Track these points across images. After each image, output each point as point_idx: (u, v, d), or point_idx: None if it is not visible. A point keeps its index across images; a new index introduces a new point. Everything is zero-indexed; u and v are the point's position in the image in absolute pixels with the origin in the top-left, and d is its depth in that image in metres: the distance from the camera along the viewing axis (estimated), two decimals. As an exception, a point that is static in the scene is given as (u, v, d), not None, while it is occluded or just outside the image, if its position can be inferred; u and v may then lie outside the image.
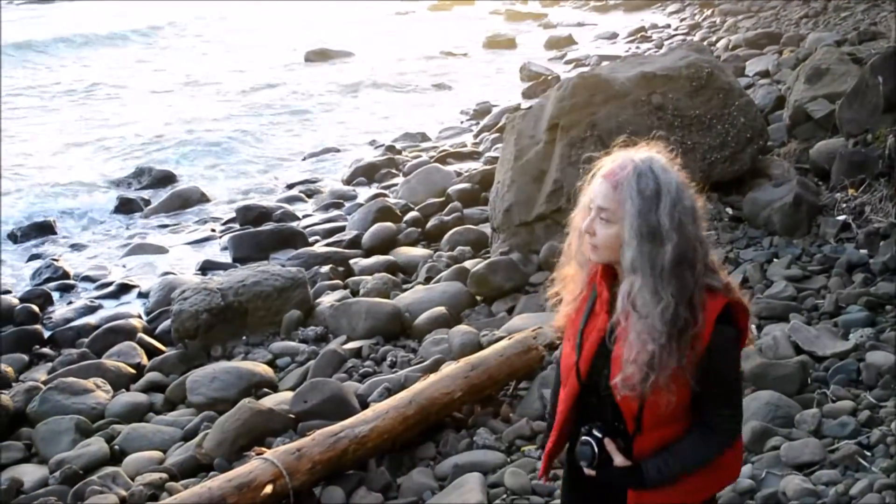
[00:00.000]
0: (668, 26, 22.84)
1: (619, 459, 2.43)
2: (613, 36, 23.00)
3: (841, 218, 7.00)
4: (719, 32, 19.26)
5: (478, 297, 7.33)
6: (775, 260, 6.73)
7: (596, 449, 2.43)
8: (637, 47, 20.13)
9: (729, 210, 7.59)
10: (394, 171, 12.35)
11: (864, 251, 6.51)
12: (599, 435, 2.44)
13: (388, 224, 9.56)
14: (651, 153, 2.41)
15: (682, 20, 23.47)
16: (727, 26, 19.62)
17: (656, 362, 2.29)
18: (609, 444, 2.43)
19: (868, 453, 4.38)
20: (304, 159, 14.21)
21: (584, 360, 2.50)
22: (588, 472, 2.48)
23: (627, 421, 2.42)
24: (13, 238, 11.06)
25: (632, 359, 2.32)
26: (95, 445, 5.76)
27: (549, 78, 16.89)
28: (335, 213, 10.94)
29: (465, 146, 13.27)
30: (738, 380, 2.54)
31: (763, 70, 12.95)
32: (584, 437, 2.46)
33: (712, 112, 7.76)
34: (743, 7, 21.30)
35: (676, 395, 2.35)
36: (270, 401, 5.89)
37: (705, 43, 17.23)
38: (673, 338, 2.30)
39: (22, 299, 8.69)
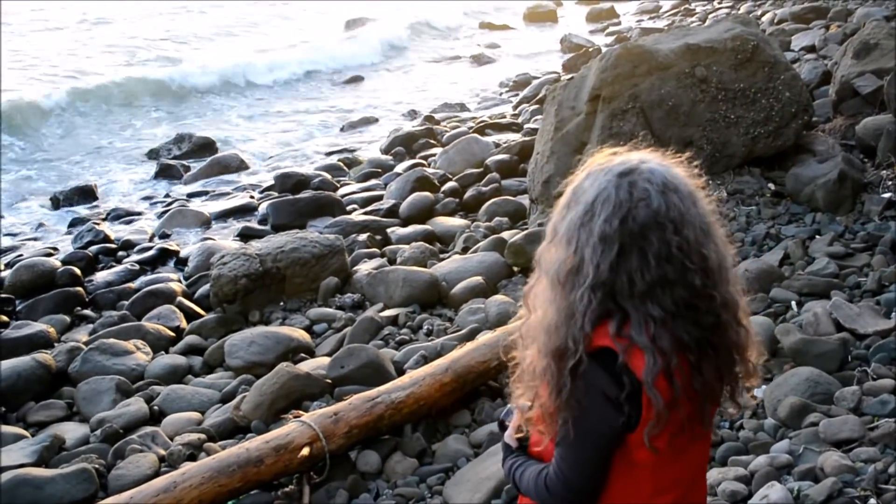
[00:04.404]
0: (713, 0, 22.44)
1: (506, 433, 2.42)
2: (656, 9, 22.68)
3: (886, 195, 6.87)
4: (765, 6, 18.89)
5: (515, 268, 7.31)
6: (818, 237, 6.63)
7: (507, 418, 2.45)
8: (681, 20, 19.84)
9: (771, 185, 7.48)
10: (432, 141, 12.31)
11: (908, 229, 6.40)
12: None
13: (426, 194, 9.56)
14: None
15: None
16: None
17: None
18: (514, 419, 2.38)
19: (908, 432, 4.33)
20: (342, 129, 14.21)
21: None
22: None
23: None
24: (55, 202, 11.20)
25: None
26: (135, 405, 5.86)
27: (590, 50, 16.72)
28: (373, 182, 10.95)
29: (505, 117, 13.19)
30: (581, 433, 2.07)
31: (809, 45, 12.67)
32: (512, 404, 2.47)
33: (757, 86, 7.63)
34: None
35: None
36: (307, 366, 5.94)
37: (750, 17, 16.91)
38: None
39: (64, 262, 8.80)
